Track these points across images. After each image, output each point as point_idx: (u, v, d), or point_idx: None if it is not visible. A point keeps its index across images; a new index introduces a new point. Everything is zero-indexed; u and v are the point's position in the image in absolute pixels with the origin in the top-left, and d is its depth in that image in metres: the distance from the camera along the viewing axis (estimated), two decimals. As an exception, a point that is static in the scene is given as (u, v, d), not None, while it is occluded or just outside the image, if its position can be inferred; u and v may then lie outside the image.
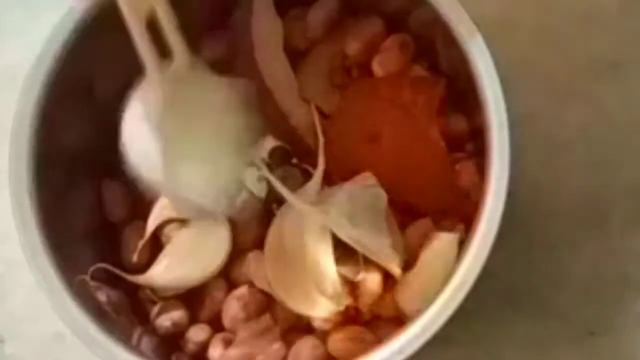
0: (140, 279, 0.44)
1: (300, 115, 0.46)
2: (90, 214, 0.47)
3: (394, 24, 0.47)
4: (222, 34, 0.47)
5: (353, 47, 0.47)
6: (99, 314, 0.42)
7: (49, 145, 0.43)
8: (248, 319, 0.45)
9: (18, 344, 0.53)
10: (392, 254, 0.44)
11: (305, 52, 0.47)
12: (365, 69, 0.47)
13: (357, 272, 0.43)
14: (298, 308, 0.44)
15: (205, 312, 0.46)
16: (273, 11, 0.46)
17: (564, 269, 0.51)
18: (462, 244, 0.43)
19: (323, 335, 0.44)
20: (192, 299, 0.46)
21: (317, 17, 0.47)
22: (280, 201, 0.45)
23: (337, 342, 0.44)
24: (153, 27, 0.40)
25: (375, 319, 0.44)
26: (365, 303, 0.43)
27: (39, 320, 0.52)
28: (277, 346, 0.44)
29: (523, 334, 0.51)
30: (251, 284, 0.45)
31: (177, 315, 0.45)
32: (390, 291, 0.44)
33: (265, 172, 0.45)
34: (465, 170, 0.45)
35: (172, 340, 0.46)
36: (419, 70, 0.46)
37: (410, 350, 0.39)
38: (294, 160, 0.46)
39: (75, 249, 0.44)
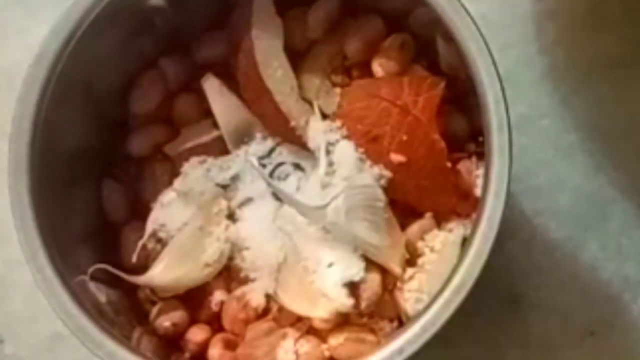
0: (140, 279, 0.44)
1: (300, 115, 0.46)
2: (90, 214, 0.47)
3: (394, 24, 0.47)
4: (222, 34, 0.47)
5: (353, 47, 0.47)
6: (99, 314, 0.42)
7: (49, 145, 0.43)
8: (248, 319, 0.45)
9: (18, 344, 0.53)
10: (392, 254, 0.44)
11: (305, 52, 0.47)
12: (365, 69, 0.47)
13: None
14: (298, 309, 0.44)
15: (205, 312, 0.46)
16: (273, 11, 0.46)
17: (564, 269, 0.51)
18: (463, 244, 0.44)
19: (323, 335, 0.44)
20: (192, 299, 0.46)
21: (317, 17, 0.47)
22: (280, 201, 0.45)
23: (337, 342, 0.44)
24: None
25: (375, 319, 0.44)
26: (365, 303, 0.43)
27: (39, 320, 0.52)
28: (280, 347, 0.44)
29: (523, 333, 0.51)
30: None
31: (176, 315, 0.45)
32: (390, 291, 0.44)
33: (264, 173, 0.45)
34: (465, 170, 0.45)
35: (172, 341, 0.46)
36: (419, 70, 0.46)
37: (410, 350, 0.39)
38: (294, 161, 0.46)
39: (74, 249, 0.44)
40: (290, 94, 0.46)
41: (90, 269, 0.43)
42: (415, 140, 0.44)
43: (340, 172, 0.44)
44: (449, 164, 0.45)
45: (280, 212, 0.45)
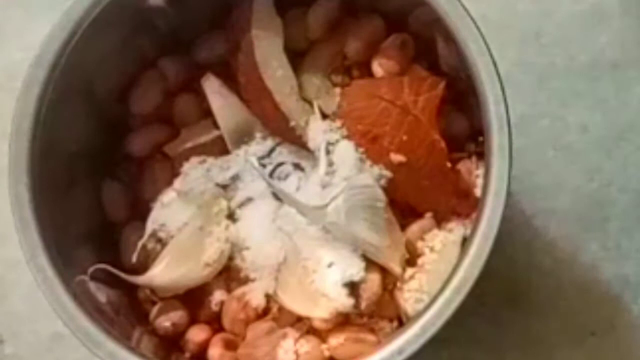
0: (140, 279, 0.44)
1: (300, 115, 0.46)
2: (90, 214, 0.47)
3: (394, 23, 0.47)
4: (222, 34, 0.47)
5: (353, 47, 0.47)
6: (99, 314, 0.42)
7: (49, 145, 0.43)
8: (248, 319, 0.45)
9: (18, 344, 0.53)
10: (392, 254, 0.44)
11: (305, 52, 0.47)
12: (365, 69, 0.47)
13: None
14: (298, 309, 0.44)
15: (205, 312, 0.46)
16: (273, 11, 0.46)
17: (564, 269, 0.51)
18: (463, 244, 0.44)
19: (323, 335, 0.44)
20: (192, 299, 0.46)
21: (317, 17, 0.47)
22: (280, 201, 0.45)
23: (337, 342, 0.44)
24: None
25: (375, 319, 0.44)
26: (365, 303, 0.43)
27: (39, 320, 0.52)
28: (280, 347, 0.44)
29: (523, 334, 0.51)
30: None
31: (176, 315, 0.45)
32: (390, 291, 0.44)
33: (264, 173, 0.45)
34: (465, 170, 0.45)
35: (172, 341, 0.46)
36: (419, 70, 0.46)
37: (410, 350, 0.39)
38: (294, 161, 0.46)
39: (75, 249, 0.44)
40: (290, 94, 0.46)
41: (90, 269, 0.43)
42: (415, 140, 0.44)
43: (340, 172, 0.44)
44: (449, 164, 0.45)
45: (280, 212, 0.45)
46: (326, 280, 0.43)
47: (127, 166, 0.48)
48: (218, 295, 0.45)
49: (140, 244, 0.45)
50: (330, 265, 0.43)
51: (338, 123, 0.45)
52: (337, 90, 0.47)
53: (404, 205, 0.45)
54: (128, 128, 0.48)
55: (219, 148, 0.47)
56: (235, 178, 0.46)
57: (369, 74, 0.47)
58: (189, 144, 0.47)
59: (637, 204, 0.52)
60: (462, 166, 0.46)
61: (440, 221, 0.45)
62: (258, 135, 0.47)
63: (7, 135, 0.42)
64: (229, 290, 0.46)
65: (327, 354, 0.44)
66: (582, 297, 0.51)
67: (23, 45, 0.54)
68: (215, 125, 0.47)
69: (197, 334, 0.45)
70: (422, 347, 0.39)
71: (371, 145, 0.44)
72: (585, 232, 0.52)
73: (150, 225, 0.46)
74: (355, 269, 0.43)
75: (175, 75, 0.48)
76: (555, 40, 0.53)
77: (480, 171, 0.45)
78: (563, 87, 0.53)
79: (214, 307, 0.45)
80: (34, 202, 0.42)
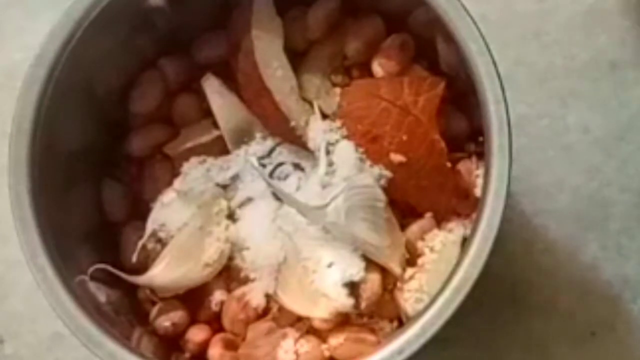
0: (140, 279, 0.44)
1: (300, 115, 0.46)
2: (90, 214, 0.47)
3: (394, 24, 0.47)
4: (222, 34, 0.47)
5: (353, 47, 0.47)
6: (99, 314, 0.42)
7: (49, 145, 0.43)
8: (248, 319, 0.45)
9: (18, 344, 0.53)
10: (392, 254, 0.44)
11: (305, 52, 0.47)
12: (365, 69, 0.47)
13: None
14: (298, 309, 0.44)
15: (205, 312, 0.46)
16: (273, 11, 0.46)
17: (564, 269, 0.51)
18: (463, 244, 0.44)
19: (323, 335, 0.44)
20: (192, 299, 0.46)
21: (317, 17, 0.47)
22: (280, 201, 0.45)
23: (337, 342, 0.44)
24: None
25: (375, 319, 0.44)
26: (365, 303, 0.43)
27: (39, 320, 0.52)
28: (280, 347, 0.44)
29: (523, 334, 0.51)
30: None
31: (176, 315, 0.45)
32: (390, 291, 0.44)
33: (264, 173, 0.45)
34: (465, 170, 0.45)
35: (172, 341, 0.46)
36: (419, 70, 0.46)
37: (410, 351, 0.39)
38: (294, 161, 0.46)
39: (75, 249, 0.44)
40: (290, 94, 0.46)
41: (90, 269, 0.43)
42: (415, 140, 0.44)
43: (340, 172, 0.44)
44: (449, 164, 0.45)
45: (280, 212, 0.45)
46: (326, 280, 0.43)
47: (127, 166, 0.48)
48: (218, 295, 0.45)
49: (140, 244, 0.45)
50: (330, 265, 0.43)
51: (338, 123, 0.45)
52: (337, 90, 0.47)
53: (404, 205, 0.45)
54: (128, 128, 0.48)
55: (219, 148, 0.47)
56: (235, 178, 0.46)
57: (369, 74, 0.47)
58: (189, 144, 0.47)
59: (637, 204, 0.52)
60: (462, 166, 0.46)
61: (440, 221, 0.45)
62: (258, 135, 0.47)
63: (7, 135, 0.42)
64: (229, 290, 0.46)
65: (327, 354, 0.44)
66: (582, 297, 0.51)
67: (23, 45, 0.54)
68: (215, 125, 0.47)
69: (197, 334, 0.45)
70: (422, 347, 0.39)
71: (371, 145, 0.44)
72: (585, 232, 0.52)
73: (150, 225, 0.46)
74: (355, 269, 0.43)
75: (175, 75, 0.48)
76: (555, 40, 0.53)
77: (480, 171, 0.45)
78: (563, 87, 0.53)
79: (214, 307, 0.45)
80: (34, 202, 0.42)
